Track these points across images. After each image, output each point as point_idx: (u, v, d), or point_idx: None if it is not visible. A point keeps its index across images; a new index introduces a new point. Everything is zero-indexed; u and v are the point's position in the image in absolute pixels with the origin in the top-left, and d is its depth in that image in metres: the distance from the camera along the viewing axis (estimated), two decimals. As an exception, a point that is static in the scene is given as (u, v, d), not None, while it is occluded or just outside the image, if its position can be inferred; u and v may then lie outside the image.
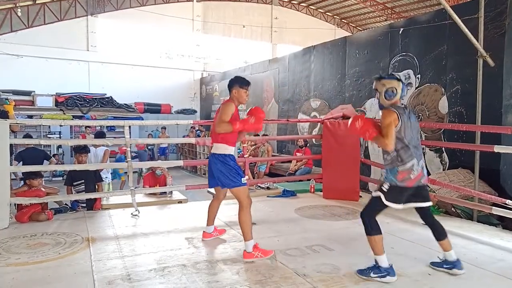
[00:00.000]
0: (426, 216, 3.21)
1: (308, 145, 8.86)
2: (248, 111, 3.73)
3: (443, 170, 5.77)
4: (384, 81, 3.06)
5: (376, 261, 2.95)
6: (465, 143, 5.25)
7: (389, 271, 2.91)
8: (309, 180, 6.49)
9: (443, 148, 5.90)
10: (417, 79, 6.38)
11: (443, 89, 5.93)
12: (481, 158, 4.81)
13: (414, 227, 4.39)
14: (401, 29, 6.76)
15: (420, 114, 6.30)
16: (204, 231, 3.95)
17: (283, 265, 3.22)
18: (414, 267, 3.19)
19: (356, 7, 20.44)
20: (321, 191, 6.07)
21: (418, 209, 3.17)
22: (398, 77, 3.15)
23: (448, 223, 4.48)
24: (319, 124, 7.59)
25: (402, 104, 3.10)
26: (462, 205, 4.70)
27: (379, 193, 3.02)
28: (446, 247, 3.09)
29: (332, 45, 8.91)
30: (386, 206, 3.02)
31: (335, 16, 21.88)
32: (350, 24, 22.43)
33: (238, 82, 3.66)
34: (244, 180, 3.50)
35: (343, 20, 22.20)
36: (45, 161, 6.30)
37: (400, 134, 2.97)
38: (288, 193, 6.05)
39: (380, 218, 4.67)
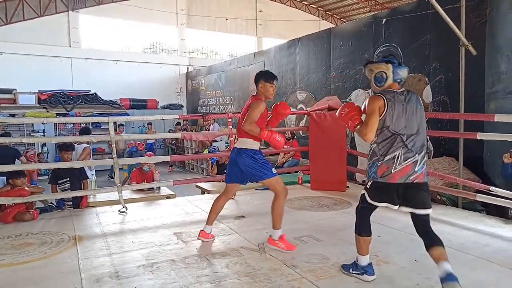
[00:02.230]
0: (419, 226, 2.71)
1: (295, 137, 8.89)
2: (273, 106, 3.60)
3: (428, 158, 5.85)
4: (372, 66, 2.80)
5: (356, 258, 2.84)
6: (449, 131, 5.33)
7: (367, 270, 2.78)
8: (296, 172, 6.52)
9: (428, 137, 5.96)
10: (401, 69, 6.43)
11: (426, 79, 5.99)
12: (465, 145, 4.89)
13: (399, 215, 4.42)
14: (384, 19, 6.79)
15: (405, 104, 6.35)
16: (202, 230, 3.70)
17: (272, 256, 3.23)
18: (401, 255, 3.24)
19: (341, -2, 20.49)
20: (309, 183, 6.10)
21: (412, 216, 2.71)
22: (389, 59, 2.75)
23: (434, 211, 4.52)
24: (305, 116, 7.60)
25: (401, 89, 2.73)
26: (447, 193, 4.78)
27: (363, 190, 2.82)
28: (437, 257, 2.61)
29: (316, 37, 8.91)
30: (372, 204, 2.77)
31: (319, 8, 21.87)
32: (335, 16, 22.46)
33: (263, 77, 3.48)
34: (274, 171, 3.50)
35: (327, 12, 22.21)
36: (17, 160, 6.20)
37: (386, 122, 2.62)
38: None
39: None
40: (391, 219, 4.26)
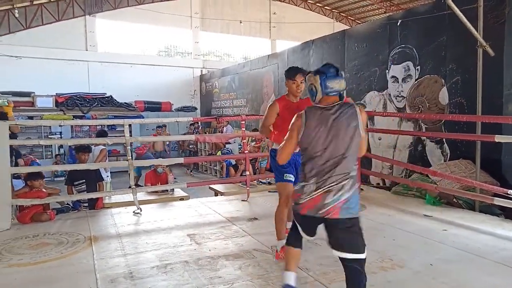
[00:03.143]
0: (346, 275, 2.20)
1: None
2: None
3: (444, 161, 5.76)
4: (307, 78, 2.45)
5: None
6: (466, 134, 5.23)
7: None
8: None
9: (444, 139, 5.88)
10: (416, 70, 6.35)
11: (443, 80, 5.90)
12: (482, 148, 4.79)
13: (414, 218, 4.39)
14: (400, 20, 6.72)
15: (420, 106, 6.27)
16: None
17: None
18: (415, 259, 3.19)
19: None
20: (322, 185, 6.05)
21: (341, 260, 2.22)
22: (319, 69, 2.38)
23: (450, 214, 4.49)
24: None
25: (335, 103, 2.29)
26: (464, 196, 4.69)
27: None
28: None
29: (330, 39, 8.87)
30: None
31: (333, 10, 21.77)
32: (349, 17, 22.31)
33: (285, 74, 3.38)
34: (286, 176, 3.28)
35: (341, 14, 22.08)
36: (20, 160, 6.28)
37: (303, 143, 2.28)
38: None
39: (382, 210, 4.71)
40: (406, 222, 4.21)
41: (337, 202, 2.15)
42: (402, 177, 6.41)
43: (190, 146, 13.62)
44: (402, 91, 6.63)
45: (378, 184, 6.95)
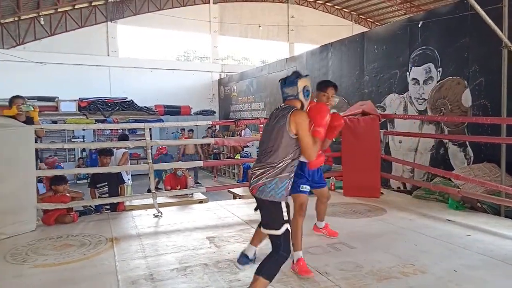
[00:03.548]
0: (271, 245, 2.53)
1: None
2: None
3: (468, 164, 5.62)
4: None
5: None
6: (490, 137, 5.10)
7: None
8: (329, 178, 6.43)
9: (467, 142, 5.75)
10: (438, 72, 6.24)
11: (466, 82, 5.78)
12: (508, 151, 4.66)
13: (437, 223, 4.30)
14: (421, 22, 6.62)
15: (442, 108, 6.15)
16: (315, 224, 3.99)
17: (304, 263, 3.20)
18: (438, 264, 3.12)
19: (374, 1, 20.13)
20: (341, 189, 6.00)
21: None
22: (283, 78, 2.76)
23: (474, 219, 4.38)
24: (338, 121, 7.50)
25: (286, 105, 2.68)
26: (489, 201, 4.57)
27: None
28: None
29: (349, 41, 8.80)
30: None
31: (352, 12, 21.62)
32: (368, 19, 22.11)
33: (317, 87, 3.47)
34: (302, 188, 3.30)
35: (360, 16, 21.91)
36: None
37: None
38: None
39: (403, 215, 4.64)
40: (428, 227, 4.13)
41: (257, 183, 2.57)
42: (423, 180, 6.29)
43: (215, 150, 13.58)
44: (423, 93, 6.52)
45: (399, 188, 6.84)
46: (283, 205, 2.54)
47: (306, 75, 2.79)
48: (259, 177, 2.57)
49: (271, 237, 2.54)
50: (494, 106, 5.20)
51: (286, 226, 2.51)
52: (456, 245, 3.55)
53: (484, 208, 4.77)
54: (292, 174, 2.63)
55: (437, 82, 6.26)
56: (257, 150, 2.78)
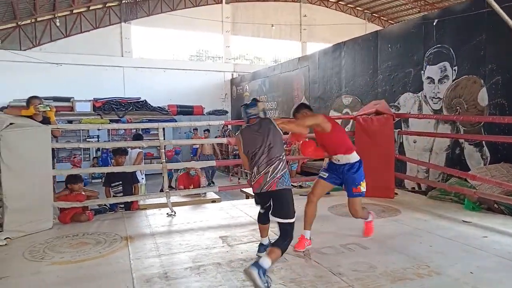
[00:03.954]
0: (280, 232, 2.96)
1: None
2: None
3: (484, 165, 5.53)
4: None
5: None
6: (508, 136, 5.00)
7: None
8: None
9: (484, 142, 5.65)
10: (454, 71, 6.15)
11: (482, 81, 5.68)
12: (526, 151, 4.57)
13: (452, 224, 4.24)
14: (436, 20, 6.53)
15: (458, 108, 6.06)
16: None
17: (317, 263, 3.19)
18: (454, 266, 3.07)
19: (388, -1, 19.96)
20: (355, 189, 5.95)
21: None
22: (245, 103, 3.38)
23: (491, 220, 4.30)
24: (351, 120, 7.45)
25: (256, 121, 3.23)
26: (506, 201, 4.48)
27: None
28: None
29: (363, 40, 8.74)
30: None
31: (365, 11, 21.43)
32: (382, 18, 21.89)
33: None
34: (321, 174, 3.88)
35: (374, 14, 21.70)
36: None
37: (245, 150, 3.18)
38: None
39: (418, 215, 4.58)
40: (444, 228, 4.07)
41: (274, 179, 3.00)
42: (439, 181, 6.21)
43: (235, 152, 13.11)
44: (438, 92, 6.44)
45: (413, 188, 6.76)
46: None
47: (262, 101, 3.48)
48: (274, 172, 2.99)
49: (285, 225, 2.94)
50: (511, 105, 5.11)
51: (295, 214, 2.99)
52: (472, 246, 3.50)
53: (501, 209, 4.67)
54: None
55: (453, 81, 6.17)
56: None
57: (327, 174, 3.77)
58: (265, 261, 2.62)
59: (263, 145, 3.07)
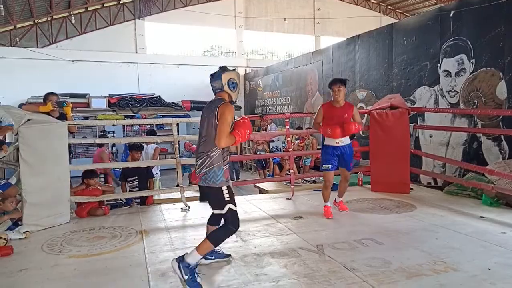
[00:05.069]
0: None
1: (355, 137, 8.65)
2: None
3: (503, 159, 5.41)
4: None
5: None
6: (528, 130, 4.89)
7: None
8: (356, 173, 6.34)
9: (502, 136, 5.53)
10: (471, 64, 6.01)
11: (501, 74, 5.55)
12: (546, 145, 4.45)
13: (469, 219, 4.17)
14: (452, 11, 6.39)
15: (476, 101, 5.93)
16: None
17: (331, 258, 3.18)
18: (471, 262, 3.02)
19: (403, -8, 19.59)
20: (369, 184, 5.92)
21: None
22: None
23: (509, 216, 4.22)
24: (365, 115, 7.37)
25: (217, 97, 3.05)
26: (525, 197, 4.38)
27: None
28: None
29: (377, 33, 8.61)
30: None
31: (380, 4, 21.08)
32: (397, 10, 21.50)
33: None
34: (324, 166, 4.41)
35: (389, 7, 21.33)
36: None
37: None
38: (335, 187, 5.95)
39: (434, 211, 4.52)
40: (461, 224, 4.01)
41: (198, 174, 2.93)
42: (455, 176, 6.11)
43: (258, 152, 11.40)
44: (455, 85, 6.31)
45: (429, 183, 6.66)
46: (224, 188, 2.88)
47: (233, 69, 3.01)
48: (200, 167, 2.92)
49: (220, 215, 2.96)
50: (531, 98, 4.98)
51: (229, 206, 2.89)
52: (490, 242, 3.43)
53: (520, 204, 4.58)
54: (227, 161, 2.96)
55: (470, 74, 6.04)
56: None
57: (330, 166, 4.38)
58: (191, 255, 2.76)
59: (201, 134, 2.96)
